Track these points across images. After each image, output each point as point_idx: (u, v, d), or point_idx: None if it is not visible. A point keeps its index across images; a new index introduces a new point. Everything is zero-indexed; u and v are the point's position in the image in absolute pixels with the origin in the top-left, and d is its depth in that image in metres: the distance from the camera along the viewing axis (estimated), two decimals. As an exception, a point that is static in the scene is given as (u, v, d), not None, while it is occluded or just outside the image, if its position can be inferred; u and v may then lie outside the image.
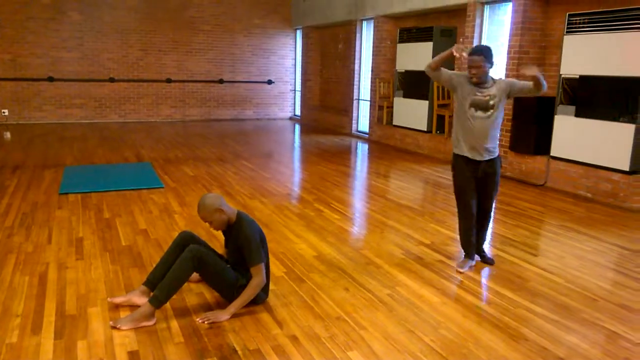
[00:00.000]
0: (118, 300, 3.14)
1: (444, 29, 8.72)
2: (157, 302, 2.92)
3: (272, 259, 3.97)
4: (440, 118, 8.82)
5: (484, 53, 3.70)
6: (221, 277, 3.09)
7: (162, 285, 2.96)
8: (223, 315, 3.00)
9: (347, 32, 11.85)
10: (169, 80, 12.85)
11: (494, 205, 4.10)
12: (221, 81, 13.39)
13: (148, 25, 12.61)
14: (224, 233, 3.27)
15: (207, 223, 3.16)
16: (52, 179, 6.46)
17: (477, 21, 7.80)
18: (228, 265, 3.18)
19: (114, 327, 2.86)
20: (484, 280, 3.73)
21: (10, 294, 3.28)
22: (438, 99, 8.68)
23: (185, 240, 3.21)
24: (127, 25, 12.42)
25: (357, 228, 4.97)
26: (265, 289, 3.22)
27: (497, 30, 7.90)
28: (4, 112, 11.74)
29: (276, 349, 2.73)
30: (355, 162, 8.73)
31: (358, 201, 6.06)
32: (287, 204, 5.63)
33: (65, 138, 9.89)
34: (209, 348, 2.73)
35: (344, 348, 2.75)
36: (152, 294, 3.00)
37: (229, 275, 3.09)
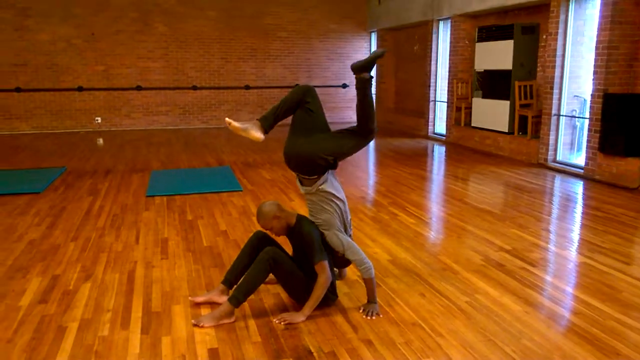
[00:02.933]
0: (199, 299, 3.28)
1: (525, 26, 8.36)
2: (235, 302, 3.01)
3: (347, 262, 3.98)
4: (523, 118, 8.46)
5: None
6: (293, 279, 3.13)
7: (240, 285, 3.06)
8: (298, 317, 3.04)
9: (422, 33, 11.67)
10: (247, 87, 13.20)
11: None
12: (297, 86, 13.60)
13: (227, 34, 13.07)
14: (288, 237, 3.32)
15: (268, 230, 3.24)
16: (140, 182, 6.85)
17: (562, 17, 7.41)
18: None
19: (196, 325, 2.98)
20: (570, 289, 3.53)
21: (102, 290, 3.50)
22: (520, 98, 8.34)
23: (260, 240, 3.29)
24: (208, 34, 12.94)
25: (434, 232, 4.87)
26: (333, 290, 3.24)
27: (582, 26, 7.46)
28: (97, 120, 12.59)
29: (351, 353, 2.73)
30: (432, 165, 8.56)
31: (435, 205, 5.94)
32: (361, 207, 5.62)
33: (152, 144, 10.45)
34: (285, 348, 2.77)
35: (420, 355, 2.70)
36: (230, 292, 3.11)
37: (300, 277, 3.13)
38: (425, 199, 6.16)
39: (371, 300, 3.18)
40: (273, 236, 3.34)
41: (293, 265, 3.14)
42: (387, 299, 3.35)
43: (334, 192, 3.22)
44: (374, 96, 12.51)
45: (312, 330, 2.96)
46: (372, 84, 3.40)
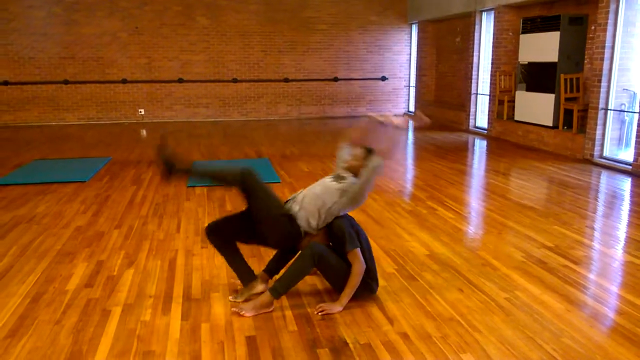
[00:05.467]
0: (240, 299, 3.31)
1: (573, 17, 8.09)
2: (276, 294, 3.06)
3: (383, 256, 3.97)
4: (568, 112, 8.21)
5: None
6: (339, 273, 3.15)
7: (282, 278, 3.10)
8: (336, 307, 3.06)
9: (465, 25, 11.44)
10: (286, 80, 13.29)
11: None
12: (336, 79, 13.60)
13: (268, 27, 13.15)
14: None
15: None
16: (181, 172, 6.98)
17: (612, 7, 7.13)
18: None
19: (236, 313, 3.03)
20: (615, 289, 3.42)
21: (144, 277, 3.61)
22: (566, 92, 8.09)
23: None
24: (249, 28, 13.06)
25: (473, 228, 4.80)
26: (374, 277, 3.24)
27: (633, 16, 7.16)
28: (140, 112, 12.91)
29: (387, 345, 2.72)
30: (472, 159, 8.42)
31: (474, 200, 5.84)
32: (399, 200, 5.58)
33: (192, 135, 10.64)
34: (321, 339, 2.79)
35: (457, 350, 2.67)
36: (271, 283, 3.17)
37: (346, 270, 3.14)
38: (464, 193, 6.07)
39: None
40: None
41: (338, 258, 3.15)
42: (423, 293, 3.33)
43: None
44: (414, 93, 12.07)
45: (348, 322, 2.97)
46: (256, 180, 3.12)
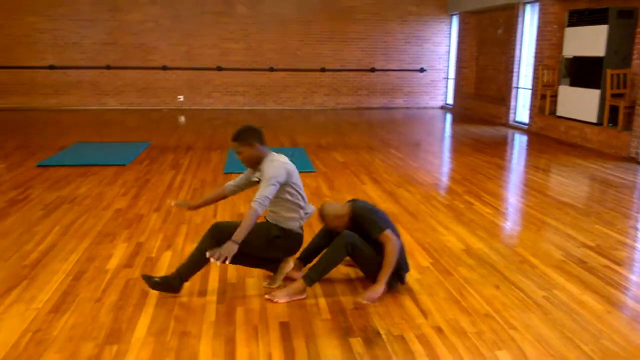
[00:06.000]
0: (275, 285, 3.35)
1: (622, 9, 7.79)
2: (309, 281, 3.08)
3: (417, 249, 3.94)
4: (614, 109, 7.93)
5: (236, 137, 3.20)
6: (372, 262, 3.16)
7: (315, 266, 3.12)
8: (379, 289, 3.02)
9: (507, 17, 11.16)
10: (323, 69, 13.22)
11: None
12: (373, 70, 13.44)
13: (307, 16, 13.13)
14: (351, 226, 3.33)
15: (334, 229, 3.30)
16: (218, 159, 7.08)
17: (667, -1, 6.84)
18: None
19: (269, 300, 3.07)
20: (659, 292, 3.31)
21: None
22: (612, 87, 7.81)
23: None
24: (287, 16, 13.06)
25: (511, 224, 4.71)
26: (404, 266, 3.22)
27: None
28: (179, 98, 13.11)
29: (420, 338, 2.71)
30: (512, 154, 8.25)
31: (513, 196, 5.73)
32: (435, 194, 5.52)
33: (229, 123, 10.75)
34: (354, 328, 2.80)
35: (492, 346, 2.64)
36: (305, 270, 3.20)
37: (379, 259, 3.14)
38: (502, 188, 5.95)
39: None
40: None
41: (370, 248, 3.16)
42: (459, 288, 3.29)
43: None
44: (452, 85, 11.86)
45: (381, 313, 2.96)
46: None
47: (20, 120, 10.81)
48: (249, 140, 3.14)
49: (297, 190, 3.19)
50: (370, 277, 3.25)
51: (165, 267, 3.54)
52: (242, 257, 3.11)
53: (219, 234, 3.10)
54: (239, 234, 2.94)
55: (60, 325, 2.79)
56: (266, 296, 3.11)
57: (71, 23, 12.34)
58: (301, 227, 3.28)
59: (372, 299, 3.00)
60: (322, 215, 3.29)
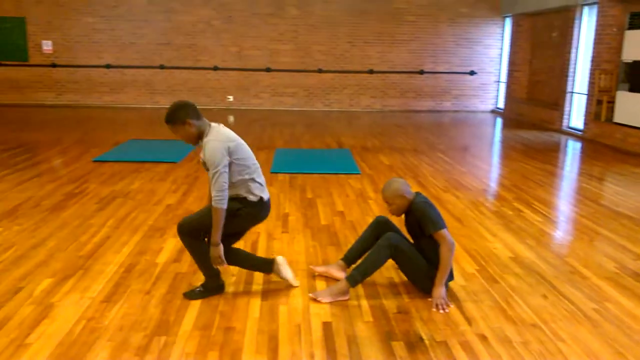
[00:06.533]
0: (319, 269, 3.42)
1: (689, 11, 7.42)
2: (353, 282, 3.09)
3: (463, 255, 3.88)
4: (676, 116, 7.56)
5: (168, 119, 3.04)
6: (415, 265, 3.15)
7: (359, 267, 3.14)
8: (438, 292, 3.03)
9: (563, 19, 10.81)
10: (371, 71, 13.22)
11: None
12: (421, 72, 13.35)
13: (356, 18, 13.12)
14: (405, 215, 3.30)
15: (386, 205, 3.24)
16: (265, 159, 7.18)
17: None
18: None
19: (314, 299, 3.10)
20: None
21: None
22: (674, 94, 7.45)
23: (381, 225, 3.34)
24: (337, 18, 13.10)
25: (562, 233, 4.57)
26: (450, 273, 3.18)
27: None
28: (229, 98, 13.37)
29: (463, 345, 2.67)
30: (564, 161, 7.99)
31: (564, 204, 5.55)
32: (482, 200, 5.42)
33: (276, 123, 10.88)
34: (396, 332, 2.79)
35: (538, 357, 2.58)
36: (349, 272, 3.21)
37: (422, 263, 3.13)
38: (554, 196, 5.78)
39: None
40: (392, 219, 3.37)
41: (414, 251, 3.15)
42: (505, 296, 3.22)
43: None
44: (504, 89, 11.64)
45: (425, 318, 2.94)
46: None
47: (77, 117, 11.30)
48: (182, 118, 3.00)
49: (242, 164, 3.06)
50: (414, 283, 3.24)
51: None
52: (235, 257, 3.14)
53: (187, 230, 3.09)
54: (215, 236, 2.95)
55: (112, 315, 2.91)
56: (310, 295, 3.14)
57: (127, 24, 12.79)
58: (261, 193, 3.14)
59: (441, 304, 3.00)
60: (389, 186, 3.21)
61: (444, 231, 3.08)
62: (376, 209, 4.96)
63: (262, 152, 7.64)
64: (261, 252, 3.85)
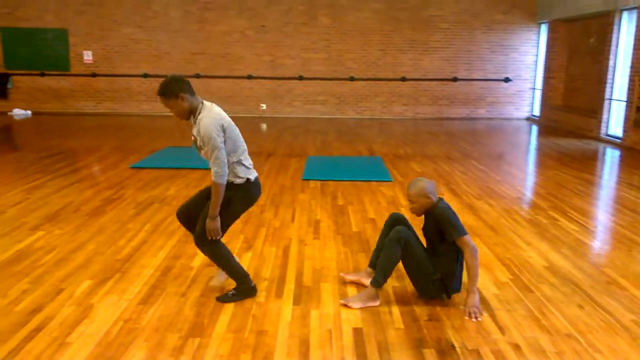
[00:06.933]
0: (349, 277, 3.43)
1: None
2: (376, 284, 3.11)
3: (496, 263, 3.84)
4: None
5: (162, 92, 3.05)
6: (420, 265, 3.12)
7: (378, 268, 3.14)
8: (472, 300, 3.01)
9: (601, 25, 10.58)
10: (403, 79, 13.20)
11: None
12: (455, 79, 13.24)
13: (388, 26, 13.14)
14: (425, 217, 3.28)
15: (409, 202, 3.23)
16: (296, 166, 7.25)
17: None
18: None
19: (345, 305, 3.11)
20: None
21: (260, 261, 3.82)
22: None
23: (395, 221, 3.33)
24: (369, 26, 13.14)
25: (599, 243, 4.46)
26: (459, 280, 3.17)
27: None
28: (262, 107, 13.54)
29: (496, 354, 2.65)
30: (602, 170, 7.80)
31: (602, 213, 5.42)
32: (517, 208, 5.34)
33: (308, 131, 10.96)
34: (428, 339, 2.78)
35: (574, 368, 2.53)
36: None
37: (427, 265, 3.11)
38: (591, 205, 5.65)
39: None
40: (409, 217, 3.40)
41: (422, 251, 3.14)
42: (539, 306, 3.17)
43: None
44: (539, 96, 11.42)
45: (456, 326, 2.92)
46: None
47: (115, 124, 11.63)
48: (176, 92, 3.00)
49: (231, 144, 3.08)
50: (414, 283, 3.23)
51: (245, 267, 3.67)
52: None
53: (186, 217, 3.20)
54: (214, 209, 3.00)
55: (148, 316, 2.99)
56: (341, 301, 3.16)
57: (164, 34, 13.13)
58: (247, 174, 3.15)
59: (474, 312, 2.98)
60: (410, 184, 3.21)
61: (467, 237, 3.05)
62: (408, 216, 4.93)
63: (294, 160, 7.71)
64: (293, 257, 3.89)
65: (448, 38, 13.21)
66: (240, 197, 3.15)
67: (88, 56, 13.22)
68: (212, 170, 3.00)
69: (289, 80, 13.24)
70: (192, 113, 3.11)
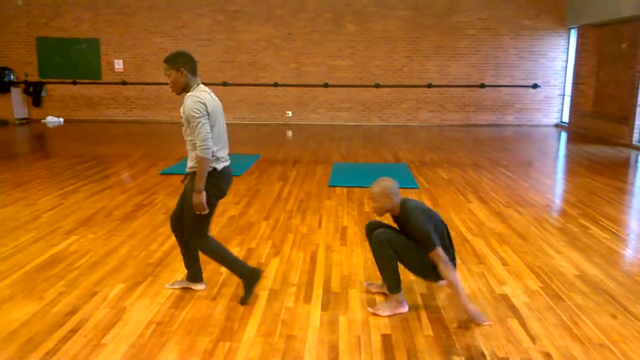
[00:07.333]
0: (373, 289, 3.42)
1: None
2: (391, 289, 3.13)
3: (526, 271, 3.80)
4: None
5: (167, 59, 3.20)
6: (410, 252, 3.08)
7: (382, 275, 3.18)
8: (464, 314, 2.96)
9: (633, 29, 10.38)
10: (429, 85, 13.15)
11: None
12: (482, 85, 13.13)
13: (414, 33, 13.12)
14: (395, 222, 3.25)
15: (372, 201, 3.20)
16: (323, 173, 7.29)
17: None
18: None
19: (374, 313, 3.11)
20: None
21: (288, 267, 3.85)
22: None
23: (371, 229, 3.28)
24: (395, 33, 13.14)
25: (632, 251, 4.37)
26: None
27: None
28: (288, 114, 13.64)
29: (527, 363, 2.62)
30: (634, 177, 7.63)
31: (635, 221, 5.31)
32: (546, 216, 5.27)
33: (334, 138, 10.99)
34: (457, 346, 2.77)
35: (607, 378, 2.49)
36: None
37: (415, 249, 3.06)
38: (623, 213, 5.54)
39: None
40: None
41: (406, 240, 3.08)
42: (570, 315, 3.13)
43: None
44: (569, 102, 11.19)
45: (486, 333, 2.90)
46: None
47: (145, 131, 11.85)
48: (179, 65, 3.15)
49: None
50: (413, 272, 3.19)
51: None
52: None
53: (194, 237, 3.25)
54: (199, 183, 3.06)
55: (179, 320, 3.05)
56: (369, 310, 3.16)
57: (192, 42, 13.35)
58: (215, 164, 3.21)
59: (477, 319, 2.95)
60: (373, 183, 3.18)
61: (438, 250, 2.94)
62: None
63: (320, 166, 7.75)
64: (320, 263, 3.91)
65: (475, 44, 13.12)
66: (215, 184, 3.23)
67: (119, 65, 13.53)
68: (197, 145, 3.09)
69: (314, 88, 13.32)
70: (185, 90, 3.24)
